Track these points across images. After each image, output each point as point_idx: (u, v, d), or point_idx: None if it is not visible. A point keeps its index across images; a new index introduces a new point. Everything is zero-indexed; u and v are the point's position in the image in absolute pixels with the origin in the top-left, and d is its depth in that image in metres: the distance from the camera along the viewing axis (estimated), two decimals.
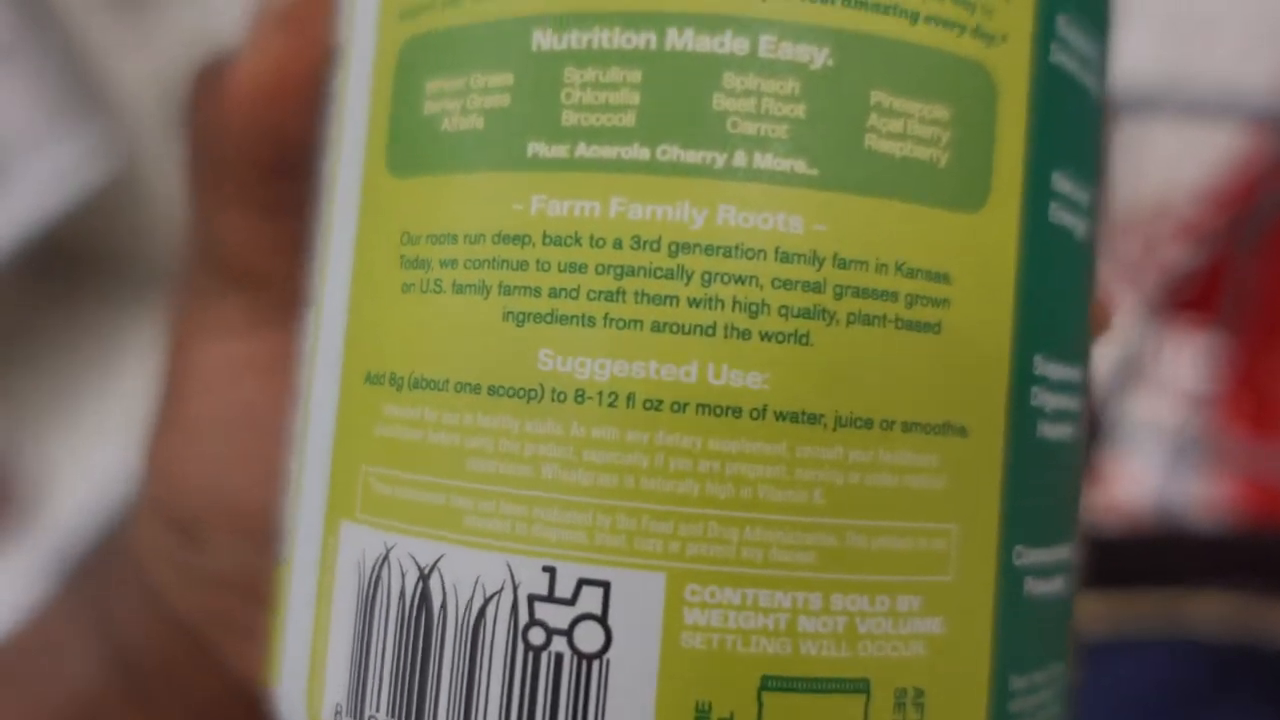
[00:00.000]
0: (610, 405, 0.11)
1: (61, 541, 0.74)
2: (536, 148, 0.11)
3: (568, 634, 0.11)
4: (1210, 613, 0.39)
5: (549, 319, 0.11)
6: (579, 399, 0.11)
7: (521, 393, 0.11)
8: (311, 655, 0.13)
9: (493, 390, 0.11)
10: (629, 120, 0.11)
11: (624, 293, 0.11)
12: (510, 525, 0.11)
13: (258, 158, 0.16)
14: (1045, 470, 0.12)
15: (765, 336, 0.11)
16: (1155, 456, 0.61)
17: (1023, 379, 0.12)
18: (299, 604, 0.13)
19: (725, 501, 0.11)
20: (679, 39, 0.11)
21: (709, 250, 0.11)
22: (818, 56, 0.11)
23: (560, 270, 0.11)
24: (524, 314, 0.11)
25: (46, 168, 0.73)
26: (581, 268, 0.11)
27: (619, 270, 0.11)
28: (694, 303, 0.11)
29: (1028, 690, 0.12)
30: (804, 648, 0.11)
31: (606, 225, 0.11)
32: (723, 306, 0.11)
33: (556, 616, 0.11)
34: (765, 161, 0.11)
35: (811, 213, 0.11)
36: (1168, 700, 0.38)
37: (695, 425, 0.11)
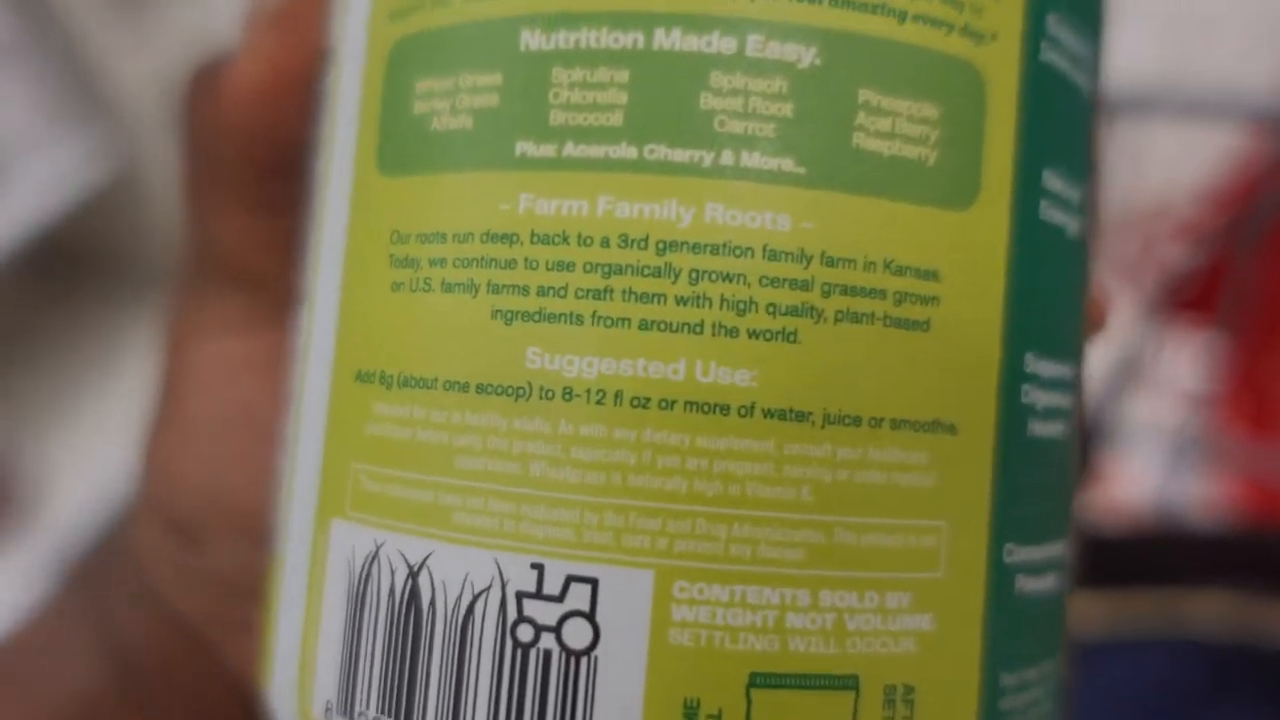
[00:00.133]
0: (598, 403, 0.11)
1: (61, 541, 0.74)
2: (524, 147, 0.11)
3: (556, 631, 0.11)
4: (1210, 613, 0.39)
5: (537, 317, 0.11)
6: (567, 397, 0.11)
7: (510, 391, 0.11)
8: (302, 653, 0.13)
9: (481, 388, 0.11)
10: (616, 120, 0.11)
11: (612, 291, 0.11)
12: (498, 522, 0.11)
13: (254, 157, 0.16)
14: (1036, 468, 0.12)
15: (753, 334, 0.11)
16: (1155, 456, 0.61)
17: (1013, 377, 0.12)
18: (290, 601, 0.13)
19: (713, 499, 0.11)
20: (666, 39, 0.11)
21: (696, 248, 0.11)
22: (805, 56, 0.11)
23: (548, 269, 0.11)
24: (512, 312, 0.11)
25: (46, 168, 0.73)
26: (569, 266, 0.11)
27: (607, 269, 0.11)
28: (682, 301, 0.11)
29: (1019, 687, 0.12)
30: (792, 644, 0.11)
31: (594, 224, 0.11)
32: (710, 304, 0.11)
33: (545, 613, 0.11)
34: (753, 160, 0.11)
35: (799, 211, 0.11)
36: (1167, 700, 0.38)
37: (683, 423, 0.11)
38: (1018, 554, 0.12)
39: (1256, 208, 0.49)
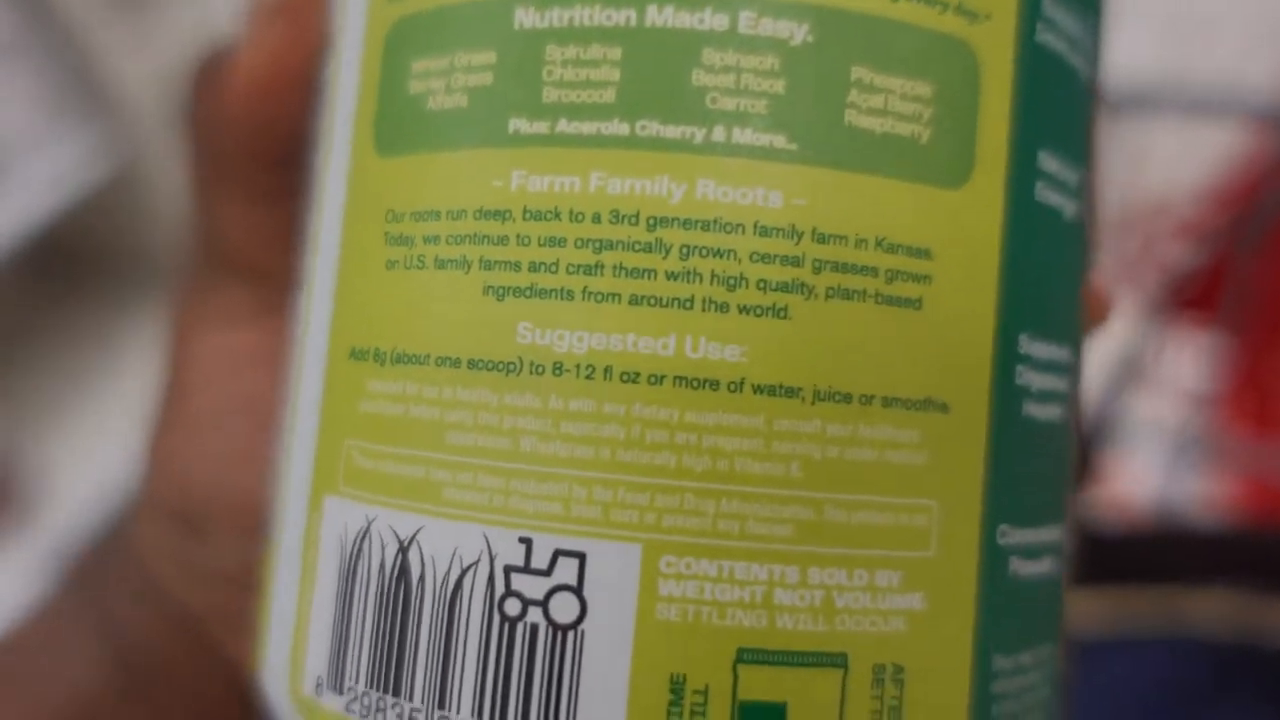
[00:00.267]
0: (588, 378, 0.11)
1: (61, 541, 0.74)
2: (518, 124, 0.11)
3: (543, 605, 0.11)
4: (1211, 611, 0.39)
5: (528, 293, 0.11)
6: (557, 371, 0.11)
7: (500, 366, 0.11)
8: (295, 632, 0.13)
9: (472, 364, 0.11)
10: (609, 96, 0.11)
11: (602, 266, 0.11)
12: (488, 497, 0.11)
13: (257, 150, 0.16)
14: (1031, 450, 0.12)
15: (743, 310, 0.11)
16: (1156, 455, 0.61)
17: (1007, 357, 0.12)
18: (284, 583, 0.13)
19: (702, 474, 0.11)
20: (659, 15, 0.11)
21: (687, 224, 0.11)
22: (797, 32, 0.11)
23: (540, 245, 0.11)
24: (504, 288, 0.11)
25: (47, 167, 0.73)
26: (560, 242, 0.11)
27: (598, 244, 0.11)
28: (672, 276, 0.11)
29: (1013, 671, 0.12)
30: (780, 621, 0.11)
31: (586, 200, 0.11)
32: (701, 280, 0.11)
33: (532, 587, 0.11)
34: (744, 136, 0.11)
35: (790, 187, 0.11)
36: (1168, 698, 0.38)
37: (672, 397, 0.11)
38: (1012, 536, 0.12)
39: (1258, 207, 0.49)
